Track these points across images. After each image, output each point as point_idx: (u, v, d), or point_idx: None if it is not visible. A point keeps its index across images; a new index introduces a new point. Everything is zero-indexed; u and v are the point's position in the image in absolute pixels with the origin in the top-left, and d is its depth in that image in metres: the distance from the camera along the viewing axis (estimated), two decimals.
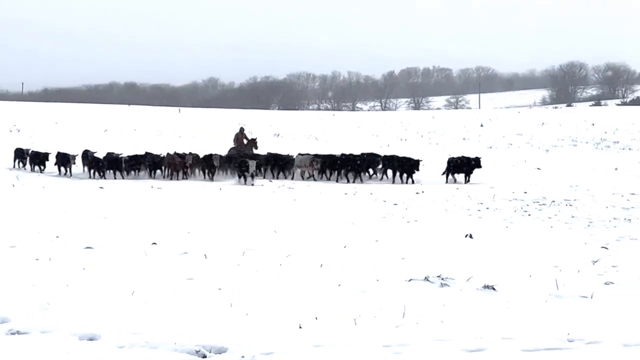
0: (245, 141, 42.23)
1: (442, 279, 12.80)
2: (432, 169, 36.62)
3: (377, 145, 50.31)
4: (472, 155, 37.02)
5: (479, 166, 35.15)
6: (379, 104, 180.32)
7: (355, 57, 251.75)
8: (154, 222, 20.05)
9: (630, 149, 51.66)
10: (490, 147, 51.19)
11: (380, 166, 37.35)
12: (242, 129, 43.64)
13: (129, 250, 15.56)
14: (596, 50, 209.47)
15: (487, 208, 24.16)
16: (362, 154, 38.53)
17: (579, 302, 11.50)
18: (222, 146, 41.81)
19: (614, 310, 10.89)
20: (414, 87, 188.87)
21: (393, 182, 35.31)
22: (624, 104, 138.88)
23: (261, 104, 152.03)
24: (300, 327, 9.91)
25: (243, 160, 34.90)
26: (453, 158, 36.59)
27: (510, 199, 26.45)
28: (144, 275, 12.95)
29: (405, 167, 35.37)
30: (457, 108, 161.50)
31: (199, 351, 8.98)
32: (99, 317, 10.22)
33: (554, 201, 25.70)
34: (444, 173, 35.72)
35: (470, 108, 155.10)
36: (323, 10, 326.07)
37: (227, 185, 32.91)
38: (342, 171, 36.71)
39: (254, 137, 42.99)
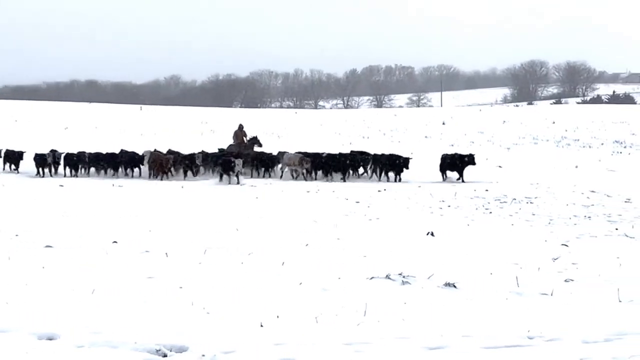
0: (245, 139, 41.44)
1: (404, 277, 12.83)
2: (422, 166, 36.46)
3: (340, 144, 50.35)
4: (465, 152, 36.24)
5: (473, 163, 34.24)
6: (342, 102, 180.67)
7: (318, 55, 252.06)
8: (115, 221, 19.91)
9: (590, 146, 52.05)
10: (452, 145, 51.28)
11: (370, 164, 36.42)
12: (241, 126, 42.81)
13: (90, 248, 15.44)
14: (557, 49, 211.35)
15: (449, 206, 24.22)
16: (352, 152, 37.74)
17: (539, 299, 11.58)
18: (186, 144, 41.58)
19: (574, 308, 10.97)
20: (376, 85, 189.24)
21: (379, 179, 34.74)
22: (584, 102, 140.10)
23: (223, 102, 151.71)
24: (261, 326, 9.89)
25: (227, 159, 33.78)
26: (446, 155, 35.59)
27: (472, 197, 26.53)
28: (104, 274, 12.86)
29: (395, 165, 34.57)
30: (419, 106, 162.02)
31: (160, 350, 8.93)
32: (58, 317, 10.14)
33: (515, 199, 25.82)
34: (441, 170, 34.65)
35: (432, 106, 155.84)
36: (285, 9, 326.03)
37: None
38: (331, 170, 35.65)
39: (255, 135, 42.41)
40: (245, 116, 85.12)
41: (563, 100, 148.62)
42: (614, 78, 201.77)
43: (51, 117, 73.19)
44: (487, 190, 28.74)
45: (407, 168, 34.20)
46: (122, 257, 14.58)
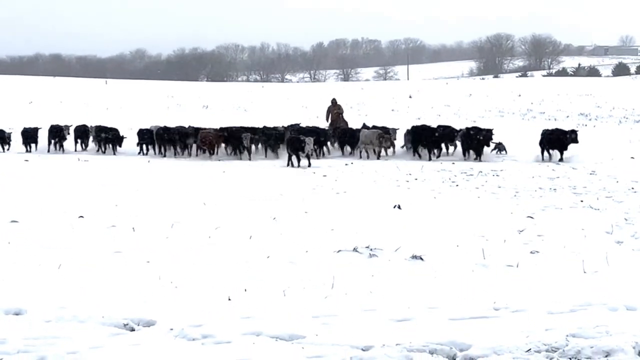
0: (342, 116, 38.42)
1: (371, 249, 12.89)
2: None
3: (307, 117, 50.32)
4: (568, 128, 32.08)
5: (576, 141, 29.74)
6: (308, 76, 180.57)
7: (284, 28, 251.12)
8: (81, 196, 19.81)
9: (555, 119, 52.25)
10: (419, 119, 51.37)
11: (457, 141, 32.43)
12: (334, 101, 39.48)
13: (56, 223, 15.37)
14: (523, 22, 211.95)
15: (416, 179, 24.27)
16: (439, 127, 33.10)
17: (505, 271, 11.68)
18: (153, 119, 41.22)
19: (539, 279, 11.08)
20: (343, 58, 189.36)
21: (465, 157, 31.02)
22: (550, 75, 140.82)
23: (189, 76, 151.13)
24: (229, 299, 9.92)
25: (296, 137, 29.60)
26: (547, 130, 31.27)
27: (439, 170, 26.61)
28: (70, 249, 12.83)
29: (478, 140, 30.58)
30: (385, 79, 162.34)
31: (127, 324, 8.95)
32: (25, 292, 10.13)
33: (481, 172, 25.90)
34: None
35: (398, 79, 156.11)
36: None
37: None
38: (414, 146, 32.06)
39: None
40: (211, 90, 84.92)
41: (529, 73, 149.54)
42: (579, 51, 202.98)
43: (15, 92, 72.58)
44: (453, 163, 28.84)
45: (488, 145, 30.71)
46: (89, 231, 14.56)
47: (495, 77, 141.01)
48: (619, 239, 14.15)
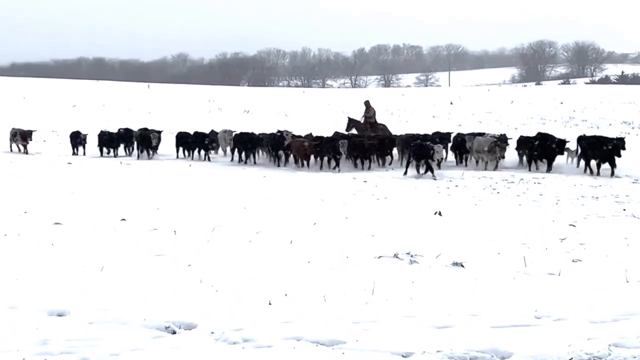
0: (371, 120, 37.15)
1: (412, 256, 12.86)
2: None
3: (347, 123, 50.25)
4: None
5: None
6: (349, 81, 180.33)
7: (326, 34, 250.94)
8: (123, 199, 19.94)
9: (598, 127, 51.85)
10: (460, 125, 51.20)
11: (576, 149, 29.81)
12: (367, 103, 38.09)
13: (98, 226, 15.49)
14: (566, 29, 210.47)
15: (456, 186, 24.23)
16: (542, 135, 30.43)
17: (547, 279, 11.59)
18: (194, 123, 41.21)
19: (582, 288, 10.98)
20: (384, 64, 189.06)
21: (585, 171, 28.20)
22: (593, 82, 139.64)
23: (231, 81, 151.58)
24: (269, 304, 9.93)
25: (421, 144, 27.39)
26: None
27: (479, 177, 26.52)
28: (113, 251, 12.91)
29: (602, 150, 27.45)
30: (427, 86, 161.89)
31: (169, 327, 8.98)
32: (68, 293, 10.20)
33: (522, 179, 25.80)
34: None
35: (440, 86, 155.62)
36: None
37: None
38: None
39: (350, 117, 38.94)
40: (253, 95, 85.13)
41: (571, 80, 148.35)
42: (623, 58, 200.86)
43: (59, 95, 73.21)
44: (494, 169, 28.72)
45: (619, 155, 26.88)
46: (131, 234, 14.66)
47: (538, 84, 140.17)
48: None
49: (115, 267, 11.82)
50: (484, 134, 32.12)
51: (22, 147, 35.72)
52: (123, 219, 16.32)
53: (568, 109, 66.63)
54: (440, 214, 17.95)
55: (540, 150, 29.22)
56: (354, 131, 36.79)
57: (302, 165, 30.94)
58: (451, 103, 74.04)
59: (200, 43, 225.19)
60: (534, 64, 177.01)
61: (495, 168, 29.05)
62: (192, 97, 77.63)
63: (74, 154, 35.55)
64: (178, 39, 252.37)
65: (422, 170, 27.11)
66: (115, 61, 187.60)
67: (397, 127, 43.26)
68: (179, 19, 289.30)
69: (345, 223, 16.58)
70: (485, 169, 28.99)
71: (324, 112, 64.57)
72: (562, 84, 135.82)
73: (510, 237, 14.86)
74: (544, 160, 29.18)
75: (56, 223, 15.69)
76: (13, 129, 36.34)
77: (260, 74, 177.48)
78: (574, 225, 16.57)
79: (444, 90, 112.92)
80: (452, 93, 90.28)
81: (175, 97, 77.79)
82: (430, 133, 33.51)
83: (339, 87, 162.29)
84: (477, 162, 30.17)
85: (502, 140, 29.58)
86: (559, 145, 28.67)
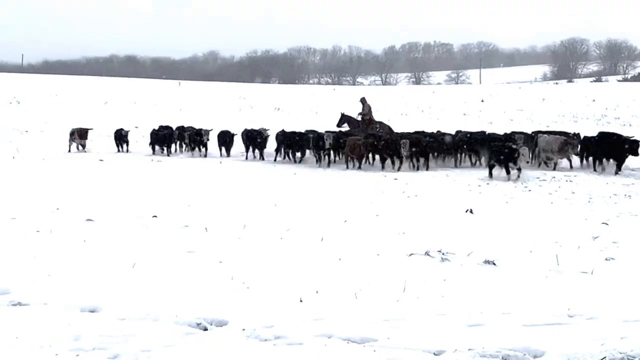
0: (366, 117, 36.53)
1: (443, 253, 12.82)
2: None
3: (378, 120, 50.19)
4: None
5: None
6: (380, 79, 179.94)
7: (356, 31, 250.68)
8: (154, 196, 20.02)
9: (630, 125, 51.47)
10: (491, 123, 51.03)
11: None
12: (363, 100, 37.40)
13: (130, 222, 15.57)
14: (598, 26, 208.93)
15: (487, 184, 24.12)
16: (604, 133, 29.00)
17: (579, 277, 11.51)
18: (224, 120, 41.16)
19: (614, 286, 10.90)
20: (415, 61, 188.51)
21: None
22: (625, 80, 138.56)
23: (261, 78, 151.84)
24: (301, 301, 9.94)
25: (505, 146, 25.90)
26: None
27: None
28: (144, 248, 12.97)
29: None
30: (457, 83, 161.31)
31: (200, 324, 9.00)
32: (100, 289, 10.26)
33: (554, 177, 25.64)
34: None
35: (470, 83, 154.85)
36: None
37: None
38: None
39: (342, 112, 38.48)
40: (283, 92, 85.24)
41: (603, 78, 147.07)
42: None
43: (91, 92, 73.64)
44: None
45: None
46: (162, 231, 14.72)
47: (569, 81, 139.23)
48: None
49: (147, 263, 11.87)
50: (553, 132, 31.25)
51: (80, 146, 35.61)
52: (154, 216, 16.39)
53: (600, 107, 66.20)
54: (471, 211, 17.88)
55: (609, 150, 27.46)
56: (345, 127, 36.51)
57: (355, 165, 29.43)
58: (482, 101, 73.78)
59: (230, 41, 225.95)
60: (565, 61, 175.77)
61: (554, 168, 28.05)
62: (223, 95, 77.85)
63: (118, 151, 35.67)
64: (208, 37, 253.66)
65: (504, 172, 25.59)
66: (146, 59, 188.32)
67: (428, 125, 43.15)
68: (209, 17, 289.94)
69: (376, 220, 16.56)
70: (555, 169, 27.91)
71: (354, 109, 64.46)
72: (594, 81, 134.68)
73: (542, 235, 14.78)
74: (609, 160, 27.54)
75: (88, 220, 15.79)
76: (72, 128, 36.25)
77: (290, 71, 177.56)
78: (607, 224, 16.44)
79: (475, 87, 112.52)
80: (483, 91, 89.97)
81: (206, 94, 78.02)
82: (509, 132, 32.10)
83: (369, 85, 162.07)
84: (544, 162, 28.84)
85: (572, 139, 28.47)
86: (633, 145, 26.62)
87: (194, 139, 34.82)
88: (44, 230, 14.43)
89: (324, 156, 30.68)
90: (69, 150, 35.15)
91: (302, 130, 33.22)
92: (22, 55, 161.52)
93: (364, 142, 29.39)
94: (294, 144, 31.92)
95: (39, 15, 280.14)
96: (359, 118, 37.06)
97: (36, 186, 21.43)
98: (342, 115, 38.03)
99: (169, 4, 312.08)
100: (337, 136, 30.88)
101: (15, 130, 41.46)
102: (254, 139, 33.42)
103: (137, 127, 40.67)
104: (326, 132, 30.98)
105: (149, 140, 35.90)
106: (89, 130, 36.01)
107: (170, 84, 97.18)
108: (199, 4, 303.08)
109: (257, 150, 33.45)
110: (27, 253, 12.43)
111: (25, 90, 70.65)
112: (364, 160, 30.18)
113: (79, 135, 35.62)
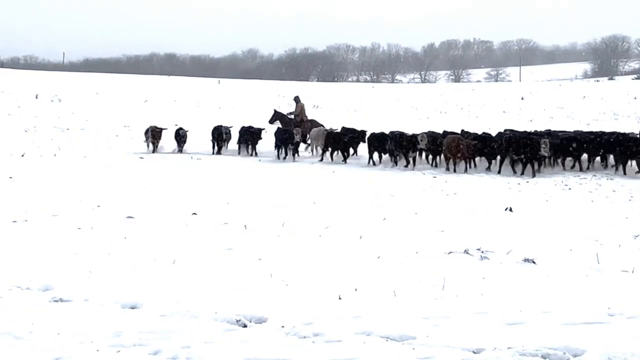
0: (298, 116, 35.76)
1: (482, 252, 12.78)
2: None
3: (417, 119, 50.15)
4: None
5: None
6: (419, 77, 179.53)
7: (395, 29, 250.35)
8: (194, 193, 20.11)
9: None
10: (531, 121, 50.73)
11: None
12: (297, 99, 36.87)
13: (170, 220, 15.67)
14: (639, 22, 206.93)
15: (527, 182, 24.00)
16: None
17: (620, 276, 11.43)
18: (265, 118, 40.99)
19: None
20: (454, 59, 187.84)
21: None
22: None
23: (300, 76, 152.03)
24: (339, 298, 9.96)
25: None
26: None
27: (550, 173, 26.23)
28: (184, 245, 13.05)
29: None
30: (497, 81, 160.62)
31: (240, 320, 9.04)
32: (140, 286, 10.35)
33: (595, 175, 25.48)
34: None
35: (510, 81, 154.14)
36: None
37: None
38: None
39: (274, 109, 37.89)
40: (322, 90, 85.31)
41: None
42: None
43: (131, 90, 74.10)
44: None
45: None
46: (202, 228, 14.80)
47: (610, 79, 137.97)
48: None
49: (187, 260, 11.94)
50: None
51: (151, 145, 34.14)
52: (194, 214, 16.48)
53: None
54: (510, 210, 17.81)
55: None
56: (277, 124, 35.77)
57: (454, 168, 27.10)
58: (522, 98, 73.43)
59: (269, 38, 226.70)
60: (606, 58, 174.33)
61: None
62: (262, 93, 78.02)
63: (217, 152, 34.09)
64: (248, 35, 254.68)
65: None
66: (186, 57, 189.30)
67: (467, 123, 42.98)
68: (248, 14, 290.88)
69: (414, 218, 16.55)
70: None
71: (393, 107, 64.46)
72: (636, 79, 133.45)
73: (582, 234, 14.69)
74: None
75: (129, 217, 15.91)
76: (147, 127, 35.05)
77: (329, 69, 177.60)
78: None
79: (515, 85, 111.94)
80: (522, 88, 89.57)
81: (245, 92, 78.29)
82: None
83: (408, 83, 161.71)
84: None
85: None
86: None
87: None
88: (85, 228, 14.57)
89: (412, 158, 28.58)
90: (147, 149, 33.95)
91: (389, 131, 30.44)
92: (64, 53, 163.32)
93: (467, 142, 26.96)
94: (380, 146, 29.68)
95: (80, 13, 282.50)
96: (292, 117, 36.38)
97: (77, 184, 21.59)
98: (275, 112, 37.52)
99: (208, 2, 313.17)
100: (433, 136, 28.79)
101: (56, 128, 41.77)
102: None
103: (176, 125, 40.75)
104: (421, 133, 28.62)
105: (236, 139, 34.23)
106: (163, 130, 34.51)
107: (210, 81, 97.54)
108: (238, 2, 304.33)
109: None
110: (68, 250, 12.56)
111: (67, 88, 71.20)
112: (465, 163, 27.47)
113: (152, 135, 34.22)
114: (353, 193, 20.78)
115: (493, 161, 27.57)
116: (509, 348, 8.19)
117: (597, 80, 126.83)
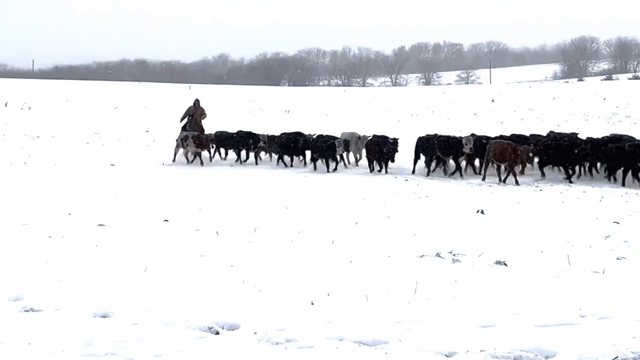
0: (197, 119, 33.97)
1: (454, 254, 12.83)
2: None
3: (388, 122, 50.22)
4: None
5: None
6: (390, 80, 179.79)
7: (366, 33, 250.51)
8: (165, 200, 20.03)
9: None
10: (502, 123, 50.97)
11: None
12: (197, 103, 34.70)
13: (141, 227, 15.61)
14: (608, 24, 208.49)
15: (498, 184, 24.08)
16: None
17: (591, 277, 11.50)
18: (235, 123, 41.04)
19: (626, 286, 10.88)
20: (425, 62, 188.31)
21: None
22: (636, 78, 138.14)
23: (271, 81, 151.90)
24: (312, 304, 9.95)
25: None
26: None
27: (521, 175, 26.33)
28: (156, 252, 13.00)
29: None
30: (468, 83, 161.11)
31: (212, 328, 9.02)
32: (112, 294, 10.29)
33: (566, 177, 25.59)
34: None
35: (481, 83, 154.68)
36: None
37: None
38: None
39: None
40: (293, 95, 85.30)
41: (614, 76, 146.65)
42: None
43: (101, 97, 73.73)
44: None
45: None
46: (173, 235, 14.74)
47: (580, 80, 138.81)
48: None
49: (159, 268, 11.90)
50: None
51: (192, 156, 31.21)
52: (166, 220, 16.42)
53: (611, 105, 65.97)
54: (482, 212, 17.87)
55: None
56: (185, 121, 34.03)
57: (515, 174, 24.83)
58: (492, 100, 73.64)
59: (240, 43, 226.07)
60: (575, 60, 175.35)
61: None
62: (233, 98, 77.81)
63: (243, 160, 31.73)
64: (219, 40, 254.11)
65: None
66: (156, 63, 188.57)
67: (438, 126, 43.10)
68: (219, 20, 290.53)
69: (387, 222, 16.56)
70: None
71: (364, 110, 64.49)
72: (605, 79, 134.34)
73: (554, 235, 14.77)
74: None
75: (100, 225, 15.83)
76: (184, 133, 31.71)
77: (300, 73, 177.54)
78: (618, 223, 16.42)
79: (485, 87, 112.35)
80: (493, 90, 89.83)
81: (217, 97, 78.00)
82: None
83: (379, 86, 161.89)
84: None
85: None
86: None
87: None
88: (56, 236, 14.48)
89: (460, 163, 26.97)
90: (174, 160, 30.93)
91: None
92: (33, 61, 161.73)
93: (524, 148, 24.89)
94: (428, 149, 27.11)
95: (50, 21, 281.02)
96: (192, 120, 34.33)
97: (48, 192, 21.44)
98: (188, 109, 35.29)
99: (178, 8, 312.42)
100: (478, 140, 26.77)
101: (26, 135, 41.41)
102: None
103: (147, 132, 40.58)
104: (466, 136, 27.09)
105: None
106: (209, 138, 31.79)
107: (181, 87, 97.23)
108: (208, 7, 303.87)
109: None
110: (39, 259, 12.47)
111: (36, 95, 70.68)
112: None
113: (196, 143, 30.74)
114: (326, 197, 20.76)
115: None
116: (481, 351, 8.21)
117: (567, 82, 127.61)
